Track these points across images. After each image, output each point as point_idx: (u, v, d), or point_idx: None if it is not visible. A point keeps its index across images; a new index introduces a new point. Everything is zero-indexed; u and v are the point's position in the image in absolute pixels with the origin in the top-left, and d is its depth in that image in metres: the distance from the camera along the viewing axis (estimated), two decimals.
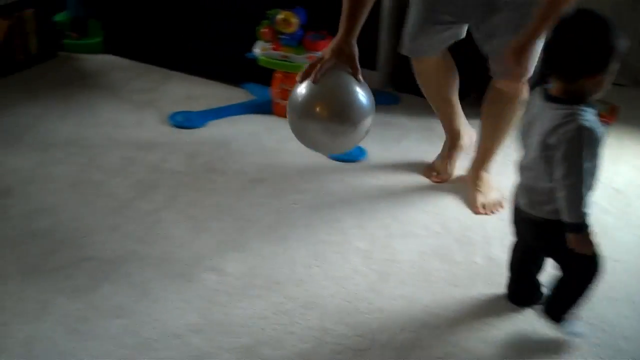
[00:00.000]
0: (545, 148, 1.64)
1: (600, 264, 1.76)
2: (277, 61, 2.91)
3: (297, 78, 1.97)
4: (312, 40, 2.98)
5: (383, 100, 3.25)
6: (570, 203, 1.61)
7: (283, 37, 2.91)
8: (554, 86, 1.66)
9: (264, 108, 3.04)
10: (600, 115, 3.26)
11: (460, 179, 2.61)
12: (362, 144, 2.73)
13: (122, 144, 2.77)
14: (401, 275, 2.12)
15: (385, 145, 2.86)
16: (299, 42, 2.94)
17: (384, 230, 2.32)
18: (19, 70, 3.32)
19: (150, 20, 3.42)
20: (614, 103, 3.33)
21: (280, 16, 2.86)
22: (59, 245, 2.17)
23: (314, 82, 1.92)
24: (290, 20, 2.86)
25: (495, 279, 2.10)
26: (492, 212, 2.44)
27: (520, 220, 1.86)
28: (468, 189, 2.53)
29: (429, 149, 2.84)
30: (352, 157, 2.74)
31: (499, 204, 2.47)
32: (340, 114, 1.93)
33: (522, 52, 2.02)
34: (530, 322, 1.94)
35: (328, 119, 1.92)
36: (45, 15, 3.44)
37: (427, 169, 2.69)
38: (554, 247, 1.80)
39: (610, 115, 3.22)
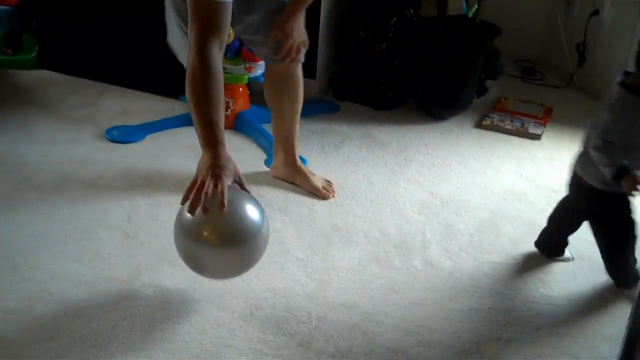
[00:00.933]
0: None
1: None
2: None
3: (187, 209, 1.75)
4: (249, 51, 2.97)
5: (322, 108, 3.26)
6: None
7: None
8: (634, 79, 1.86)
9: None
10: (535, 116, 3.33)
11: (274, 175, 2.67)
12: (302, 153, 2.74)
13: (57, 161, 2.71)
14: (340, 283, 2.12)
15: (325, 153, 2.87)
16: (235, 54, 2.93)
17: (323, 238, 2.32)
18: None
19: (85, 34, 3.37)
20: (548, 104, 3.41)
21: None
22: None
23: (224, 209, 1.71)
24: None
25: (434, 282, 2.13)
26: (334, 190, 2.57)
27: (578, 186, 2.08)
28: (297, 181, 2.59)
29: (368, 156, 2.85)
30: None
31: (329, 182, 2.60)
32: (237, 236, 1.78)
33: (289, 26, 2.26)
34: (467, 323, 1.97)
35: (225, 244, 1.79)
36: None
37: None
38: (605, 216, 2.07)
39: (545, 116, 3.28)
